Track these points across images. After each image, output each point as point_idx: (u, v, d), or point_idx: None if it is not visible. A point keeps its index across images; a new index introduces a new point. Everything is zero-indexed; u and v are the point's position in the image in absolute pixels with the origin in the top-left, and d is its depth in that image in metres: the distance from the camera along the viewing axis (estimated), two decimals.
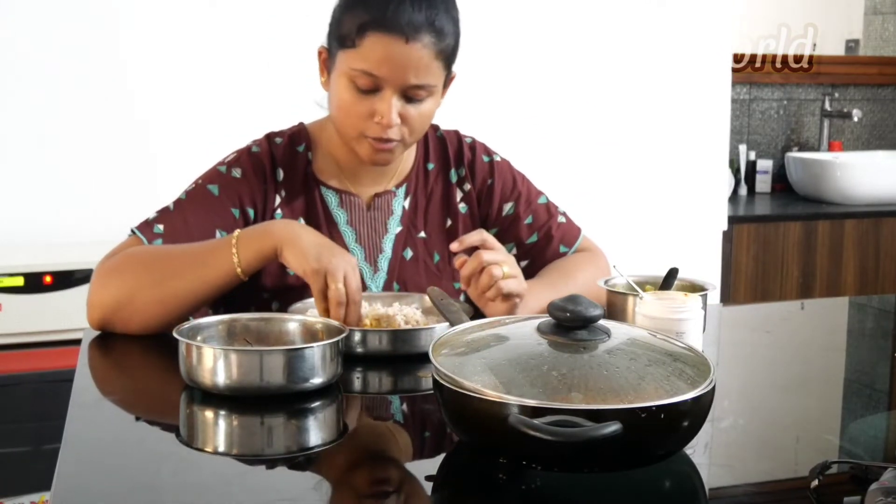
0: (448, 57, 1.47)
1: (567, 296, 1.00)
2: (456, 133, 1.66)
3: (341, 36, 1.44)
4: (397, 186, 1.59)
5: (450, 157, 1.63)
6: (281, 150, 1.56)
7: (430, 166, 1.63)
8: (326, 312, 1.28)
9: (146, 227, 1.46)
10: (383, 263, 1.56)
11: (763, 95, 3.85)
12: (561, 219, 1.67)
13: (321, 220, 1.54)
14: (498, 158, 1.66)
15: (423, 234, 1.60)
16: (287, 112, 1.64)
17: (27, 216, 2.47)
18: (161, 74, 2.52)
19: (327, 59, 1.50)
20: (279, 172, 1.54)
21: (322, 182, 1.56)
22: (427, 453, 1.08)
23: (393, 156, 1.49)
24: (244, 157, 1.54)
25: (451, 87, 1.55)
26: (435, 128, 1.65)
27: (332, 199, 1.56)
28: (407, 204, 1.60)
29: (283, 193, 1.54)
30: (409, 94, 1.44)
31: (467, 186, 1.63)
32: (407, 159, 1.61)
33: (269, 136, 1.57)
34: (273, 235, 1.34)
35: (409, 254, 1.58)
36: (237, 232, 1.37)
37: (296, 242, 1.32)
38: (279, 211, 1.53)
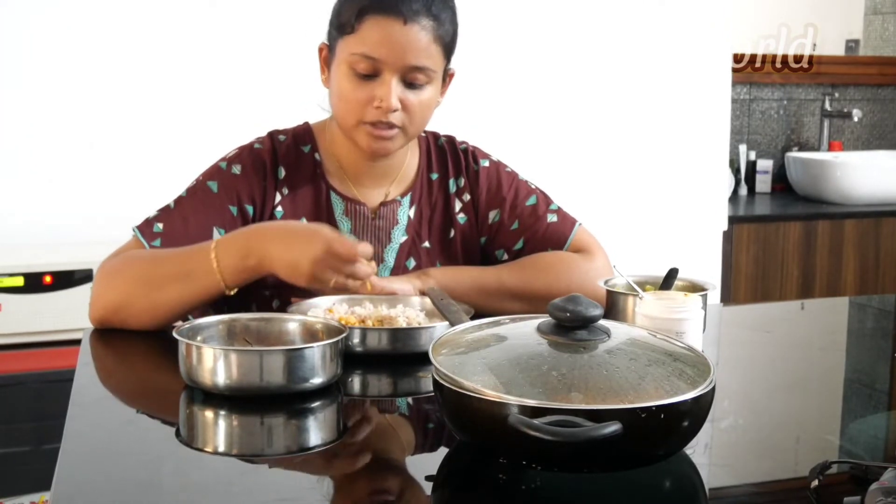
0: (447, 45, 1.47)
1: (567, 296, 1.00)
2: (451, 140, 1.65)
3: (341, 24, 1.46)
4: (402, 195, 1.59)
5: (449, 166, 1.62)
6: (284, 147, 1.56)
7: (434, 176, 1.62)
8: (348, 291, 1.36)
9: (146, 226, 1.47)
10: (384, 274, 1.55)
11: (763, 95, 3.85)
12: (552, 217, 1.62)
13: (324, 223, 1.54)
14: (486, 164, 1.63)
15: (427, 244, 1.59)
16: (291, 112, 1.64)
17: (27, 216, 2.47)
18: (162, 74, 2.52)
19: (328, 55, 1.51)
20: (280, 170, 1.54)
21: (332, 186, 1.56)
22: (427, 453, 1.08)
23: (392, 144, 1.48)
24: (245, 153, 1.54)
25: (450, 85, 1.55)
26: (436, 136, 1.65)
27: (338, 206, 1.56)
28: (412, 213, 1.59)
29: (284, 191, 1.53)
30: (409, 79, 1.44)
31: (467, 196, 1.62)
32: (409, 165, 1.60)
33: (273, 134, 1.58)
34: (253, 253, 1.34)
35: (412, 263, 1.57)
36: (213, 243, 1.36)
37: (276, 261, 1.33)
38: (280, 209, 1.53)
